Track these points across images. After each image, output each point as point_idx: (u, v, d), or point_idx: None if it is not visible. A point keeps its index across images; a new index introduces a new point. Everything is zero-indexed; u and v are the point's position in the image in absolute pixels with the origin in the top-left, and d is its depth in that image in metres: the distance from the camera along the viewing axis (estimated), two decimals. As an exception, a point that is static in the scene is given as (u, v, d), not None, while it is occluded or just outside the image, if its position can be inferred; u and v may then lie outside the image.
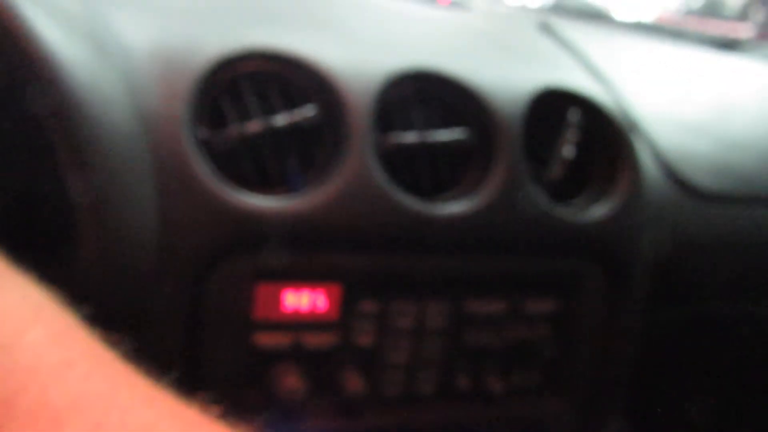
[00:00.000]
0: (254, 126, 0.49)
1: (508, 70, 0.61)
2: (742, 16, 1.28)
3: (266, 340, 0.52)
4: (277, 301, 0.52)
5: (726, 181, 0.73)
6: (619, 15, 1.17)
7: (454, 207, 0.54)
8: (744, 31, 1.21)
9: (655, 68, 0.83)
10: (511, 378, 0.62)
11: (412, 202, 0.52)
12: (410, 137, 0.53)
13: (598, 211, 0.59)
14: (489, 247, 0.56)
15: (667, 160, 0.70)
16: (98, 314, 0.27)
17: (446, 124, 0.56)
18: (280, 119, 0.50)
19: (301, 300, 0.53)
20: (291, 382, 0.52)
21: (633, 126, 0.66)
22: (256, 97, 0.50)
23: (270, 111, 0.50)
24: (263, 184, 0.50)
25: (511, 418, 0.62)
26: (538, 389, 0.63)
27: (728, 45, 1.06)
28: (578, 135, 0.61)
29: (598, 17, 1.14)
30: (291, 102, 0.51)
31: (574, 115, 0.61)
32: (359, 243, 0.52)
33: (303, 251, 0.51)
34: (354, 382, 0.54)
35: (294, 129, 0.50)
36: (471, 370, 0.60)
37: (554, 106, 0.62)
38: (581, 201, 0.60)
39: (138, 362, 0.26)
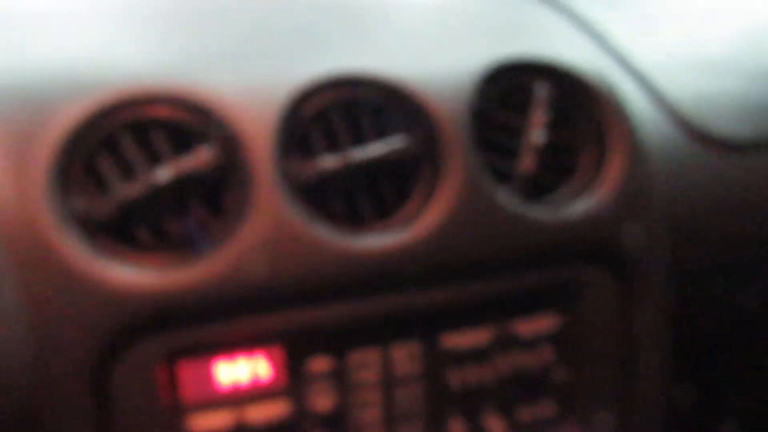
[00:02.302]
0: (142, 184, 0.41)
1: (454, 52, 0.51)
2: None
3: (202, 424, 0.45)
4: (207, 377, 0.45)
5: (756, 125, 0.59)
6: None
7: (402, 234, 0.45)
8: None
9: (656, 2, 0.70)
10: (515, 413, 0.52)
11: (342, 239, 0.43)
12: (330, 161, 0.44)
13: (585, 203, 0.48)
14: (455, 272, 0.46)
15: (680, 111, 0.57)
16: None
17: (383, 134, 0.47)
18: (170, 170, 0.42)
19: (237, 371, 0.45)
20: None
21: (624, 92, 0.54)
22: (137, 148, 0.42)
23: (158, 159, 0.42)
24: (161, 249, 0.42)
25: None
26: (553, 421, 0.53)
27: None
28: (551, 114, 0.50)
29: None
30: (179, 147, 0.43)
31: (541, 90, 0.50)
32: (290, 296, 0.43)
33: (226, 318, 0.43)
34: (319, 454, 0.46)
35: (194, 178, 0.42)
36: (464, 413, 0.51)
37: (520, 83, 0.51)
38: (564, 194, 0.50)
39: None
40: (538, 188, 0.49)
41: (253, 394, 0.46)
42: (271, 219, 0.42)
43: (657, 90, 0.58)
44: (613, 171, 0.49)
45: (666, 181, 0.53)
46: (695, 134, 0.57)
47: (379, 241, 0.44)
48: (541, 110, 0.49)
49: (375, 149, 0.45)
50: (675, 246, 0.52)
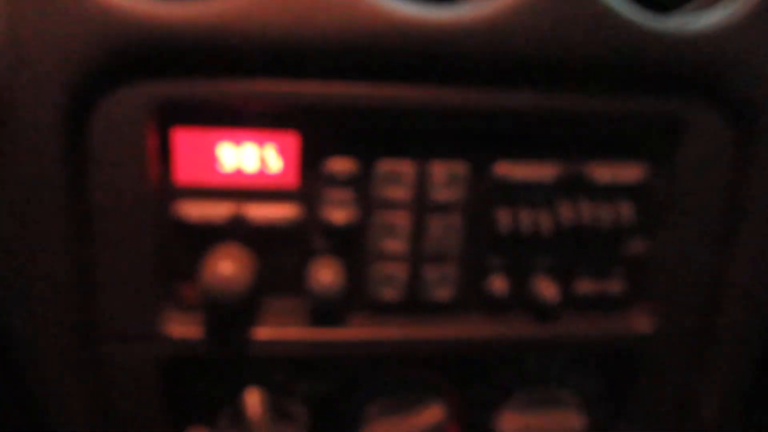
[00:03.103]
0: None
1: None
2: None
3: (195, 210, 0.38)
4: (207, 156, 0.37)
5: None
6: None
7: (479, 6, 0.35)
8: None
9: None
10: (572, 281, 0.42)
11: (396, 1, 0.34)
12: None
13: (711, 17, 0.37)
14: (531, 69, 0.36)
15: None
16: None
17: None
18: None
19: (242, 156, 0.38)
20: (234, 266, 0.36)
21: None
22: None
23: None
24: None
25: (573, 341, 0.42)
26: (617, 301, 0.43)
27: None
28: None
29: None
30: None
31: None
32: (316, 60, 0.35)
33: (233, 75, 0.35)
34: (326, 273, 0.38)
35: None
36: (509, 268, 0.41)
37: None
38: (690, 8, 0.39)
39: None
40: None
41: (259, 186, 0.38)
42: None
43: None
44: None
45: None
46: None
47: (441, 11, 0.35)
48: None
49: None
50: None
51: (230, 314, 0.39)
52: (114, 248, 0.37)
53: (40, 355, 0.38)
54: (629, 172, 0.40)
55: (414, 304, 0.41)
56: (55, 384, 0.39)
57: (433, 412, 0.44)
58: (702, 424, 0.45)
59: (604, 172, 0.40)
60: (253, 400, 0.42)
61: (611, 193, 0.40)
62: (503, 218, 0.40)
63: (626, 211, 0.41)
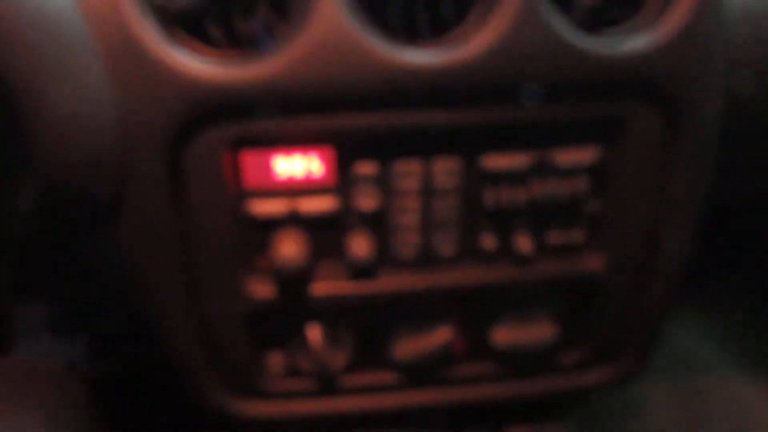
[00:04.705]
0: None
1: None
2: None
3: (261, 207, 0.52)
4: (267, 168, 0.51)
5: None
6: None
7: (453, 51, 0.47)
8: None
9: None
10: (544, 237, 0.56)
11: (395, 51, 0.46)
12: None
13: (645, 39, 0.48)
14: (501, 94, 0.48)
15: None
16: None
17: None
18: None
19: (293, 166, 0.51)
20: (294, 245, 0.51)
21: None
22: None
23: None
24: (230, 46, 0.47)
25: (546, 279, 0.57)
26: (577, 248, 0.57)
27: None
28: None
29: None
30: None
31: None
32: (342, 100, 0.47)
33: (284, 114, 0.48)
34: (360, 244, 0.53)
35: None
36: (496, 230, 0.55)
37: None
38: (625, 29, 0.49)
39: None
40: (600, 21, 0.49)
41: (306, 187, 0.52)
42: (330, 26, 0.45)
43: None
44: (681, 8, 0.48)
45: (735, 23, 0.52)
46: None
47: (430, 56, 0.46)
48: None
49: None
50: (729, 93, 0.52)
51: (293, 279, 0.54)
52: (207, 238, 0.52)
53: (162, 308, 0.54)
54: (586, 155, 0.53)
55: (425, 260, 0.56)
56: (172, 328, 0.56)
57: (444, 333, 0.59)
58: (645, 325, 0.61)
59: (566, 156, 0.53)
60: (314, 332, 0.58)
61: (572, 171, 0.53)
62: (489, 197, 0.53)
63: (584, 182, 0.54)
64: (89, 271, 0.66)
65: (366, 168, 0.51)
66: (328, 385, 0.61)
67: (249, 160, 0.50)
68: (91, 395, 0.94)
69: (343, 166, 0.51)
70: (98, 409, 0.94)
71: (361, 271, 0.55)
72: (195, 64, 0.45)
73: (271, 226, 0.53)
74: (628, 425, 1.03)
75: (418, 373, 0.62)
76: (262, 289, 0.55)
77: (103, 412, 0.95)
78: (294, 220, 0.53)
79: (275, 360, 0.61)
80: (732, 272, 1.01)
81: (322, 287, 0.55)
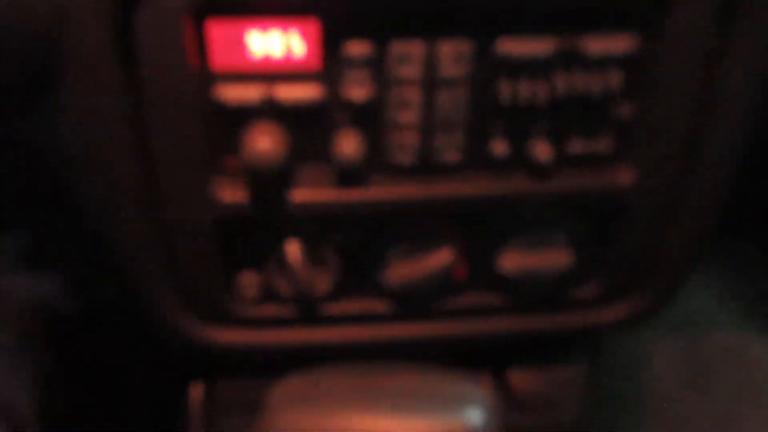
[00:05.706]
0: None
1: None
2: None
3: (231, 93, 0.43)
4: (238, 44, 0.42)
5: None
6: None
7: None
8: None
9: None
10: (565, 144, 0.48)
11: None
12: None
13: None
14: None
15: None
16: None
17: None
18: None
19: (270, 43, 0.42)
20: (269, 139, 0.42)
21: None
22: None
23: None
24: None
25: (564, 194, 0.49)
26: (603, 159, 0.49)
27: None
28: None
29: None
30: None
31: None
32: None
33: None
34: (349, 143, 0.44)
35: None
36: (510, 133, 0.47)
37: None
38: None
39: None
40: None
41: (286, 70, 0.43)
42: None
43: None
44: None
45: None
46: None
47: None
48: None
49: None
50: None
51: (268, 181, 0.46)
52: (165, 130, 0.43)
53: (116, 218, 0.46)
54: (620, 43, 0.44)
55: (426, 167, 0.47)
56: (129, 241, 0.48)
57: (444, 256, 0.52)
58: (670, 262, 0.53)
59: (596, 44, 0.44)
60: (293, 250, 0.50)
61: (603, 63, 0.45)
62: (504, 90, 0.45)
63: (616, 79, 0.45)
64: (36, 168, 0.57)
65: (357, 48, 0.43)
66: (309, 312, 0.54)
67: (216, 32, 0.41)
68: (62, 331, 0.87)
69: (329, 45, 0.43)
70: (68, 346, 0.88)
71: (350, 176, 0.47)
72: None
73: (243, 116, 0.44)
74: (633, 377, 1.01)
75: (413, 302, 0.54)
76: (232, 193, 0.46)
77: (72, 350, 0.89)
78: (271, 110, 0.44)
79: (249, 281, 0.53)
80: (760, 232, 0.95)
81: (302, 193, 0.47)
